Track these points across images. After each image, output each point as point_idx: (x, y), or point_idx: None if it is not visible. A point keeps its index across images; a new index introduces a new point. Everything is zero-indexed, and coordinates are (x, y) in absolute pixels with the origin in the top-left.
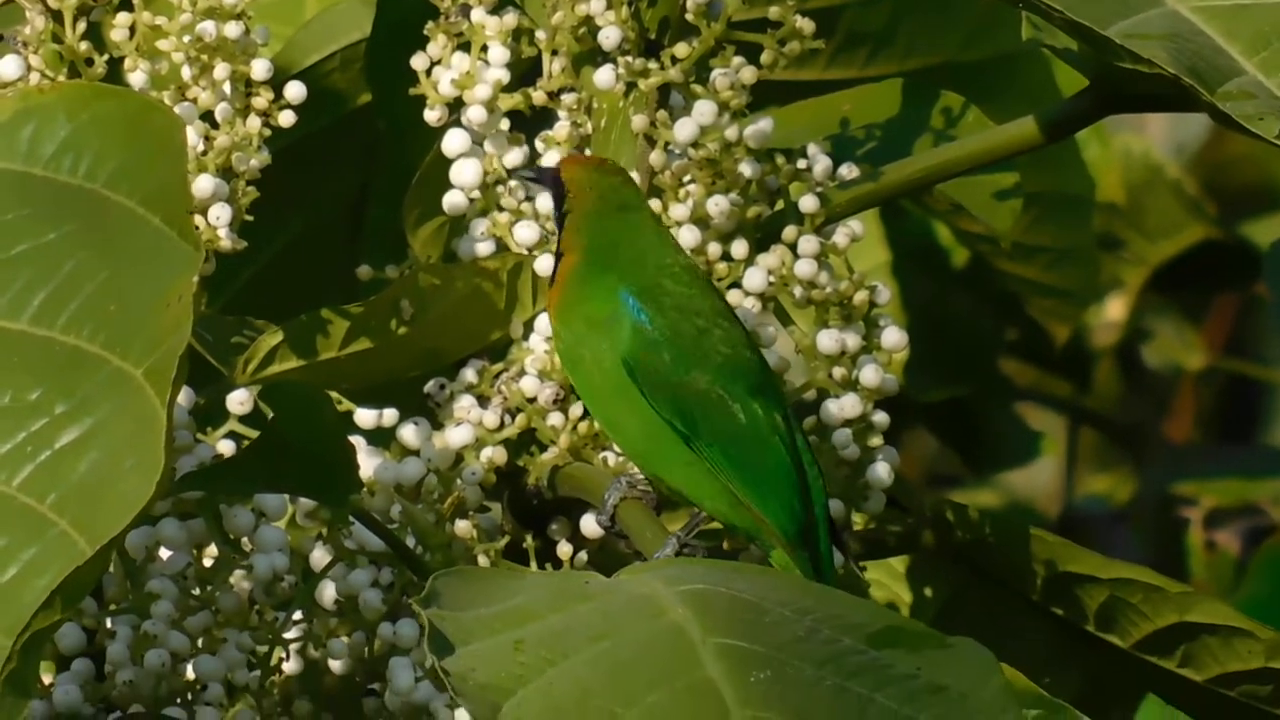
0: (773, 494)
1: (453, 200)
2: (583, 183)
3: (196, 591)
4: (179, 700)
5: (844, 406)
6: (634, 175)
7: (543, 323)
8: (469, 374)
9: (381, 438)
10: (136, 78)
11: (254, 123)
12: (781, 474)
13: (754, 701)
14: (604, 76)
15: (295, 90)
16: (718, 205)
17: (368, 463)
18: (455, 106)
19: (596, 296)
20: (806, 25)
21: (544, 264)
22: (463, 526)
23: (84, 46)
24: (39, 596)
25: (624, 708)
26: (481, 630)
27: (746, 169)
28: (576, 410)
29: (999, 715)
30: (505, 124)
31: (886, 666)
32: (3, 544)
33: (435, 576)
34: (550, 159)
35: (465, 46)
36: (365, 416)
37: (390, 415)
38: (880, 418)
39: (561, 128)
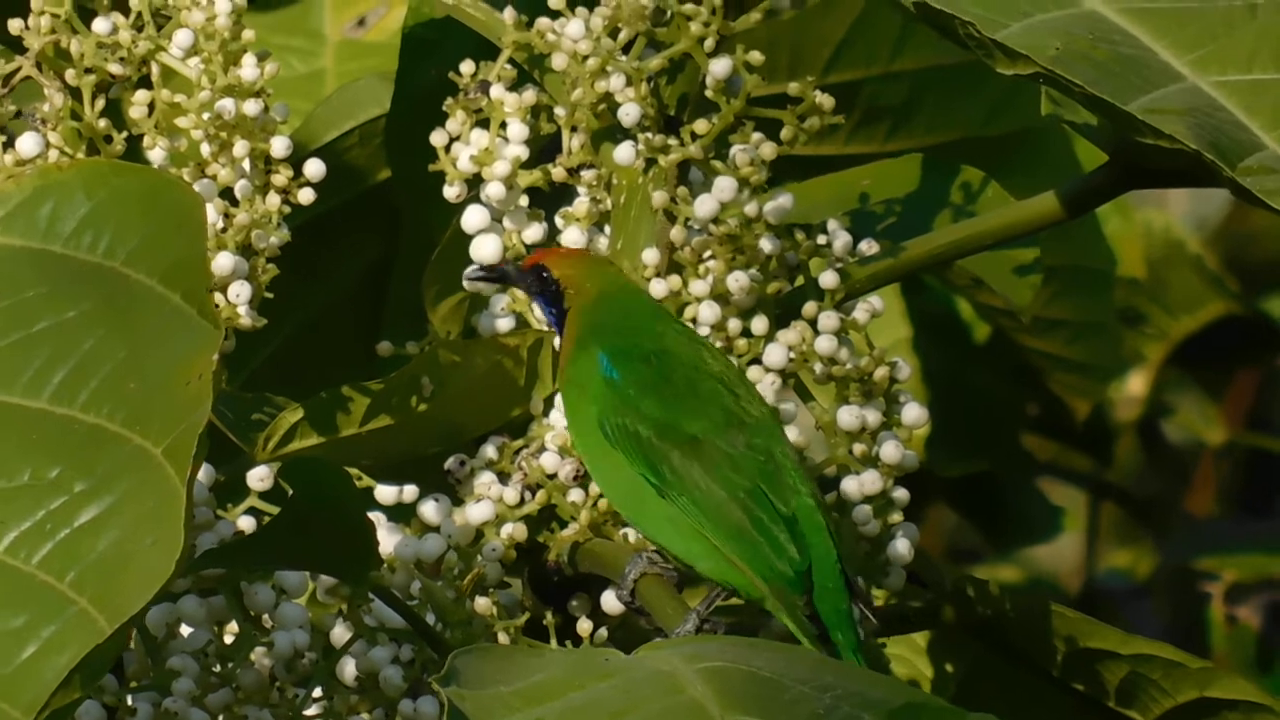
0: (750, 546)
1: None
2: (581, 278)
3: (217, 668)
4: None
5: (864, 483)
6: (653, 251)
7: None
8: (489, 450)
9: (402, 514)
10: (155, 155)
11: (273, 200)
12: (751, 524)
13: None
14: (624, 153)
15: (314, 167)
16: (737, 281)
17: (388, 539)
18: (474, 183)
19: (581, 363)
20: (826, 101)
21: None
22: (483, 603)
23: (103, 124)
24: (58, 675)
25: None
26: (501, 708)
27: (766, 245)
28: (596, 487)
29: None
30: (524, 200)
31: None
32: (22, 622)
33: (455, 654)
34: (507, 257)
35: (484, 123)
36: (385, 493)
37: (410, 491)
38: (900, 494)
39: (581, 204)
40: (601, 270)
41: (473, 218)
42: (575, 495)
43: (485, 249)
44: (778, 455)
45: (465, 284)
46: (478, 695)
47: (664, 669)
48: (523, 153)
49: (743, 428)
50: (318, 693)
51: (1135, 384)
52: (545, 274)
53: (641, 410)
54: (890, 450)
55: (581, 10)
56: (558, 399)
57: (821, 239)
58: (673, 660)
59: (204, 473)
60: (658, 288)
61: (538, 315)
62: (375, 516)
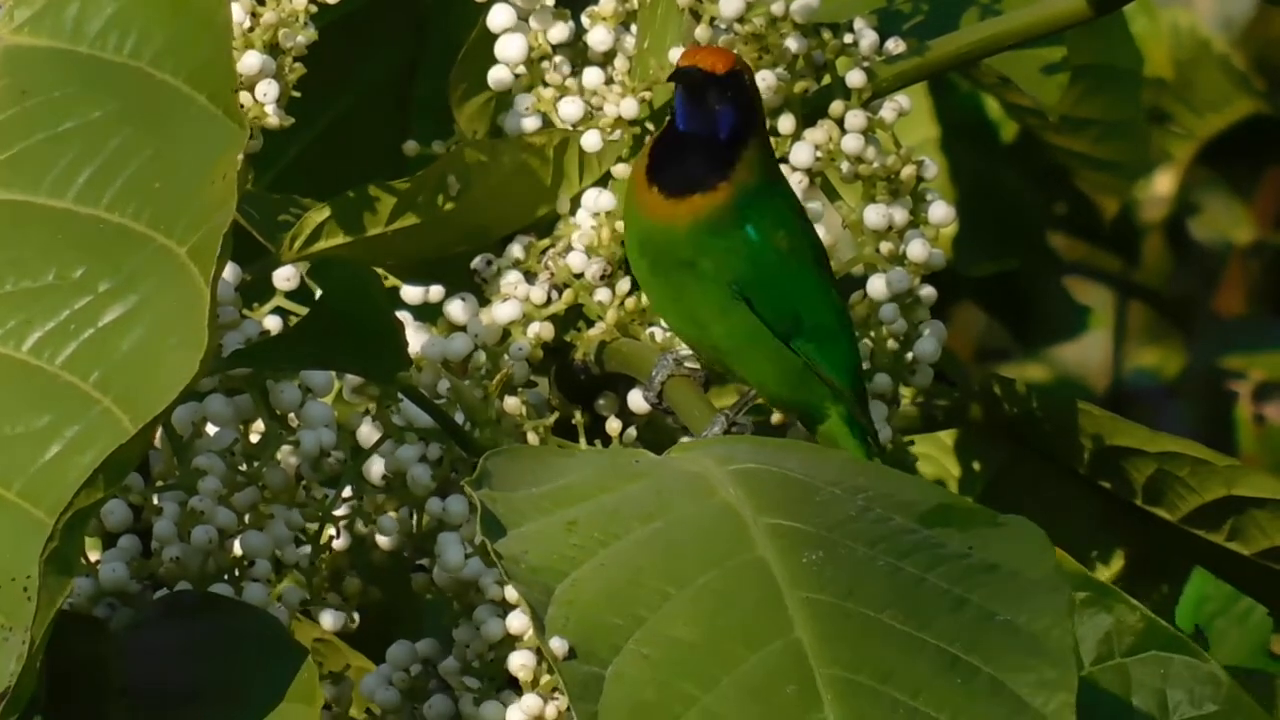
0: (850, 368)
1: (498, 76)
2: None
3: (244, 468)
4: (226, 577)
5: (891, 281)
6: (680, 50)
7: (590, 198)
8: (516, 250)
9: (428, 314)
10: None
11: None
12: (853, 349)
13: (806, 582)
14: None
15: None
16: (764, 80)
17: (415, 339)
18: None
19: (734, 224)
20: None
21: (591, 140)
22: (511, 403)
23: None
24: (82, 474)
25: (676, 588)
26: (533, 511)
27: (792, 44)
28: (624, 285)
29: (1051, 594)
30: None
31: (938, 545)
32: (46, 422)
33: (486, 456)
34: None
35: None
36: (412, 293)
37: (437, 291)
38: (927, 292)
39: (607, 3)
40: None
41: (499, 17)
42: (602, 294)
43: (511, 48)
44: None
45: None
46: (509, 497)
47: (695, 470)
48: None
49: (825, 260)
50: (345, 492)
51: (1163, 183)
52: (738, 84)
53: (783, 266)
54: (917, 249)
55: None
56: (585, 197)
57: (848, 38)
58: (704, 462)
59: (230, 272)
60: None
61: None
62: (402, 316)
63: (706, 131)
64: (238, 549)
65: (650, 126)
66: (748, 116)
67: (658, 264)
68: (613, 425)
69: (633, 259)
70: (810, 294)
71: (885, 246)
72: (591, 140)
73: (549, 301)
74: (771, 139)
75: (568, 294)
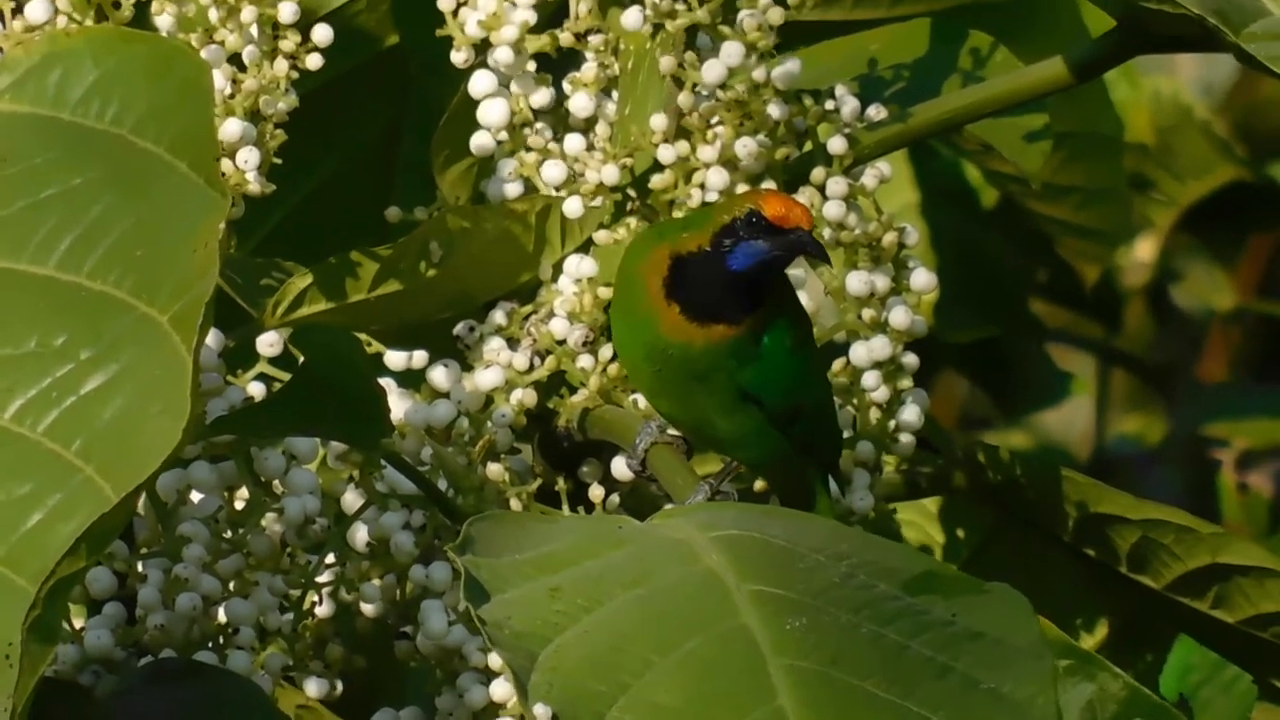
0: (837, 440)
1: (480, 141)
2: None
3: (228, 535)
4: (211, 644)
5: (873, 349)
6: (661, 117)
7: (572, 265)
8: (498, 316)
9: (412, 380)
10: (163, 21)
11: (281, 66)
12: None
13: (789, 649)
14: (631, 18)
15: (322, 33)
16: (746, 147)
17: (398, 405)
18: (482, 48)
19: (750, 345)
20: None
21: (573, 206)
22: (494, 469)
23: None
24: (65, 543)
25: (660, 655)
26: (517, 577)
27: (774, 110)
28: (606, 352)
29: (1035, 662)
30: (532, 65)
31: (922, 613)
32: (28, 490)
33: (470, 522)
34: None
35: None
36: (395, 359)
37: (420, 357)
38: (910, 359)
39: (589, 69)
40: None
41: (480, 83)
42: (585, 361)
43: (493, 114)
44: None
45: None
46: (493, 563)
47: (678, 537)
48: (531, 17)
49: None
50: (329, 559)
51: (1144, 250)
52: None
53: (790, 360)
54: (899, 316)
55: None
56: (567, 264)
57: (830, 104)
58: (686, 528)
59: (213, 338)
60: (665, 153)
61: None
62: (385, 382)
63: (753, 276)
64: (222, 616)
65: (632, 193)
66: (779, 265)
67: (666, 373)
68: (596, 492)
69: (635, 359)
70: (811, 383)
71: (867, 313)
72: (573, 206)
73: (532, 368)
74: None
75: (550, 360)
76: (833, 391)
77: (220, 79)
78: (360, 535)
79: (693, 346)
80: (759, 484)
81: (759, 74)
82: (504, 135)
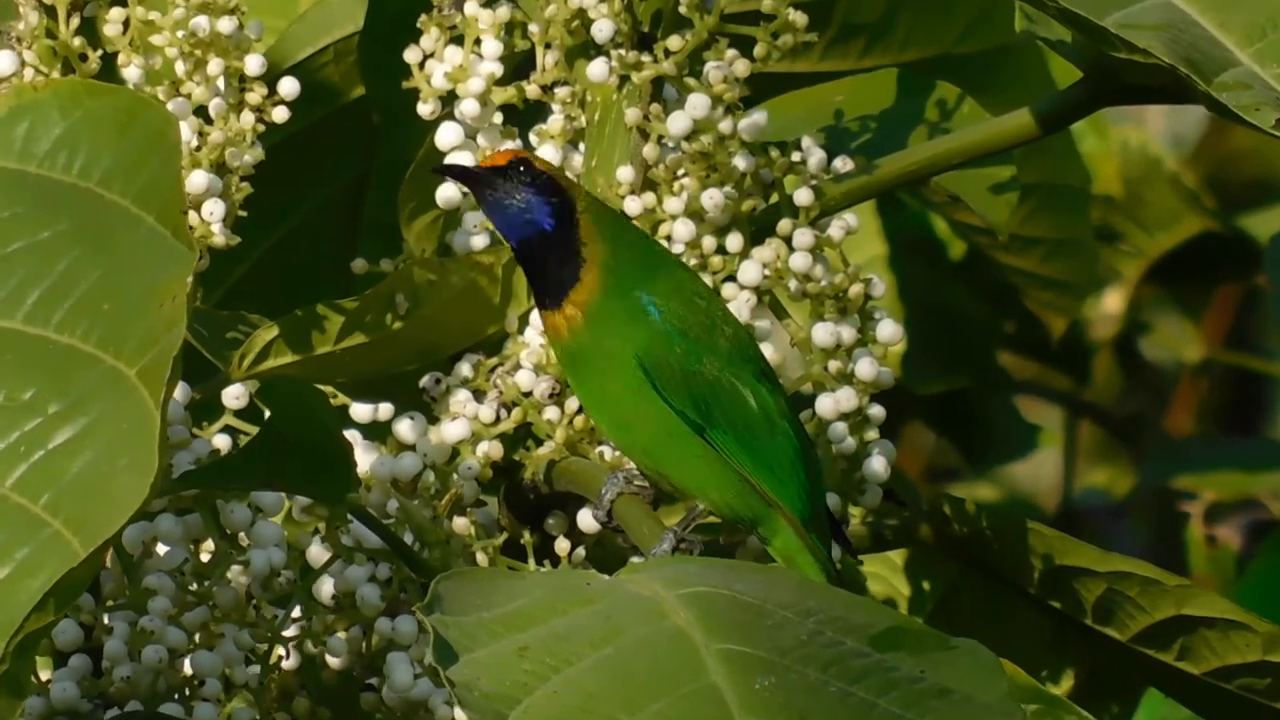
0: (788, 476)
1: (446, 194)
2: (575, 188)
3: (194, 587)
4: (177, 696)
5: (839, 400)
6: (628, 169)
7: (537, 317)
8: (464, 368)
9: (377, 432)
10: (130, 73)
11: (247, 118)
12: (794, 455)
13: (758, 708)
14: (597, 70)
15: (289, 86)
16: (712, 199)
17: (364, 458)
18: (449, 100)
19: (618, 299)
20: (799, 18)
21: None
22: (460, 523)
23: (78, 42)
24: (33, 598)
25: (629, 715)
26: (484, 635)
27: (741, 162)
28: (573, 404)
29: (1003, 718)
30: (499, 118)
31: (891, 669)
32: None
33: (437, 580)
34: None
35: (458, 40)
36: (361, 411)
37: (386, 410)
38: (876, 411)
39: (555, 121)
40: (591, 192)
41: (447, 135)
42: (551, 413)
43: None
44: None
45: (434, 171)
46: (460, 621)
47: (645, 594)
48: (497, 69)
49: (759, 362)
50: (295, 612)
51: (1112, 302)
52: (532, 168)
53: (686, 347)
54: (865, 367)
55: None
56: (533, 316)
57: (796, 156)
58: (653, 585)
59: (180, 391)
60: (632, 205)
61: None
62: (351, 435)
63: (533, 231)
64: (188, 668)
65: None
66: (559, 196)
67: (578, 373)
68: (562, 545)
69: (569, 380)
70: (719, 379)
71: (834, 365)
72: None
73: (498, 420)
74: (719, 257)
75: (516, 412)
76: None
77: (187, 131)
78: (326, 588)
79: (574, 331)
80: (725, 537)
81: (725, 126)
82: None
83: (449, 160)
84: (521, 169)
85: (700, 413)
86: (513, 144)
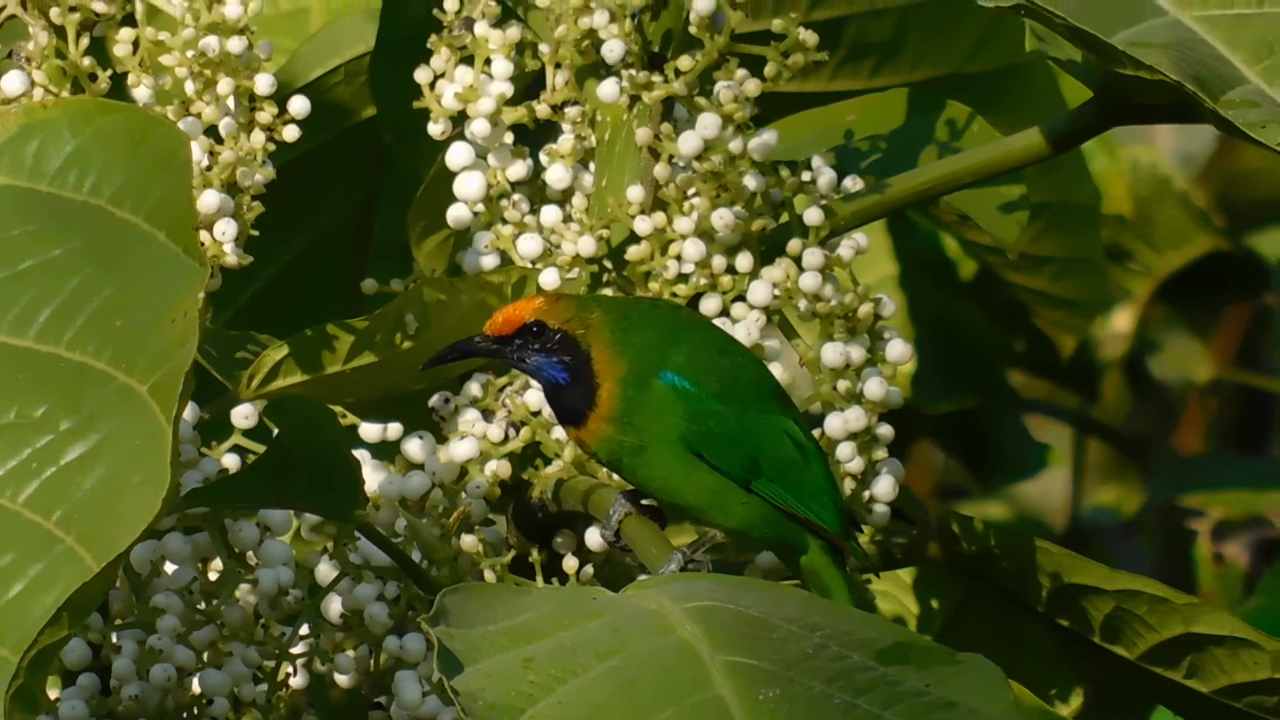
0: (825, 499)
1: (457, 214)
2: (577, 315)
3: (202, 606)
4: (185, 715)
5: (849, 419)
6: (638, 189)
7: None
8: (473, 388)
9: (386, 452)
10: (140, 93)
11: (258, 138)
12: (826, 477)
13: (763, 719)
14: (608, 90)
15: (299, 105)
16: (722, 218)
17: (373, 477)
18: (459, 120)
19: (639, 396)
20: (810, 38)
21: (549, 278)
22: (468, 541)
23: (87, 62)
24: (46, 613)
25: None
26: (490, 648)
27: (751, 181)
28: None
29: None
30: (509, 137)
31: (895, 683)
32: (9, 560)
33: (443, 593)
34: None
35: (469, 60)
36: (370, 430)
37: (395, 429)
38: (885, 430)
39: (565, 141)
40: (588, 300)
41: (457, 155)
42: (559, 433)
43: (469, 186)
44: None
45: (428, 366)
46: (466, 634)
47: (652, 608)
48: (507, 90)
49: (777, 390)
50: (303, 630)
51: (1121, 321)
52: (544, 330)
53: (722, 409)
54: (874, 387)
55: None
56: None
57: (806, 175)
58: (660, 600)
59: (189, 410)
60: (642, 225)
61: (523, 251)
62: (360, 454)
63: (548, 383)
64: (196, 687)
65: (608, 265)
66: (570, 353)
67: (616, 461)
68: (570, 563)
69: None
70: (760, 428)
71: (843, 384)
72: (549, 278)
73: (506, 439)
74: (729, 277)
75: (525, 432)
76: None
77: (197, 151)
78: (334, 606)
79: (600, 438)
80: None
81: (735, 145)
82: (480, 207)
83: (459, 182)
84: (532, 333)
85: (747, 469)
86: (523, 168)
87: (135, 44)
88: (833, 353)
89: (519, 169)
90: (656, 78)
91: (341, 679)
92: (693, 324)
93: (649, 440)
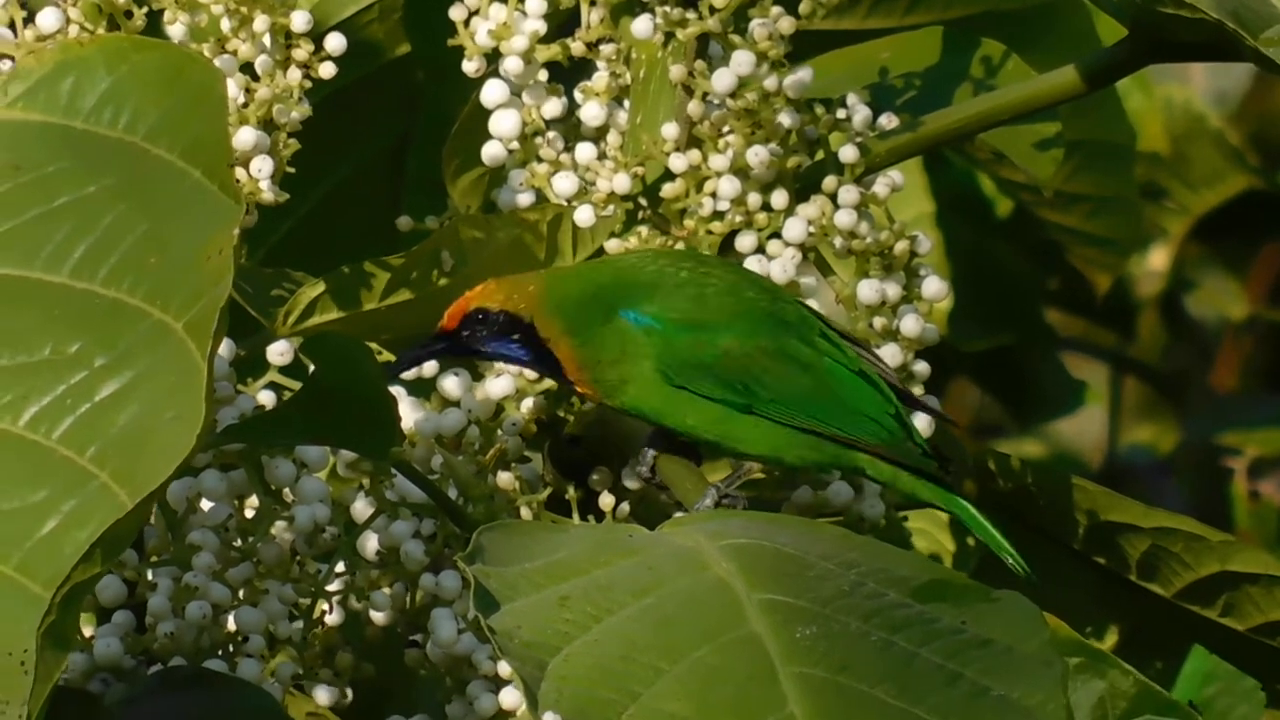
0: (856, 410)
1: (491, 151)
2: (520, 294)
3: (238, 543)
4: (220, 652)
5: (885, 357)
6: (673, 126)
7: None
8: None
9: (422, 389)
10: (176, 30)
11: (294, 75)
12: (851, 387)
13: (799, 657)
14: (642, 27)
15: (335, 42)
16: (757, 155)
17: (409, 414)
18: (493, 57)
19: (603, 344)
20: None
21: (584, 215)
22: (504, 478)
23: None
24: (79, 549)
25: (670, 663)
26: (526, 586)
27: (785, 119)
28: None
29: (1045, 669)
30: (543, 75)
31: (932, 620)
32: (43, 496)
33: (480, 531)
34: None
35: None
36: None
37: (431, 366)
38: (921, 367)
39: (600, 78)
40: (529, 276)
41: (492, 92)
42: None
43: (504, 124)
44: (809, 314)
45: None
46: (502, 572)
47: (688, 545)
48: (541, 27)
49: (775, 299)
50: (339, 567)
51: (1157, 259)
52: (487, 314)
53: (695, 338)
54: (910, 324)
55: None
56: None
57: (841, 113)
58: (696, 537)
59: (224, 347)
60: (677, 162)
61: (558, 189)
62: (396, 391)
63: (512, 360)
64: (231, 624)
65: (643, 202)
66: (517, 329)
67: (625, 407)
68: (606, 500)
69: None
70: (745, 351)
71: (879, 322)
72: (585, 215)
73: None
74: (764, 214)
75: None
76: (846, 374)
77: (233, 88)
78: (370, 544)
79: (596, 398)
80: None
81: (770, 83)
82: (515, 145)
83: (494, 120)
84: (477, 321)
85: (741, 393)
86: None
87: None
88: (869, 290)
89: (554, 106)
90: (691, 14)
91: (377, 616)
92: (658, 264)
93: (630, 380)
